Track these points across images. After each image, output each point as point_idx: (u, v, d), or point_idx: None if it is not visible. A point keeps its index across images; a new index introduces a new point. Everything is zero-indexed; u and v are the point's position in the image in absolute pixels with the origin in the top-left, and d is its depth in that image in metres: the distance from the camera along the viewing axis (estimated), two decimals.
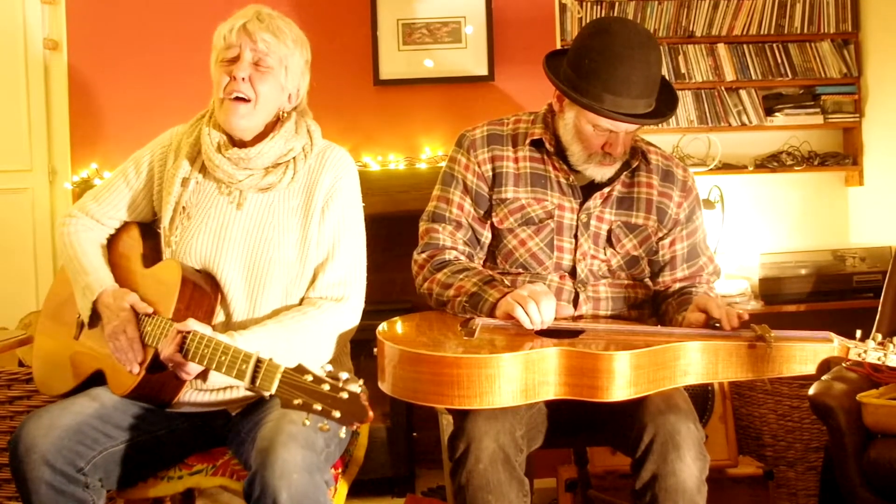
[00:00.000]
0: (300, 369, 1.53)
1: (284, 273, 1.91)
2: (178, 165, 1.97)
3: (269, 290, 1.90)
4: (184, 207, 1.95)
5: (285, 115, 1.97)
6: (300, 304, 1.93)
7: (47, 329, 2.10)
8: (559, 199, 2.08)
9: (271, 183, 1.94)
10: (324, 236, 1.94)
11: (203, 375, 1.79)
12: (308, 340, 1.86)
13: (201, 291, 1.87)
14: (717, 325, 1.86)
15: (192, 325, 1.72)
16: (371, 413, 1.50)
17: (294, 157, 1.96)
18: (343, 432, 1.51)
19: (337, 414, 1.48)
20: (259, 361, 1.59)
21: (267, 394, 1.56)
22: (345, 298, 1.92)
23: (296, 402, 1.51)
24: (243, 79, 1.88)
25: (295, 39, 1.94)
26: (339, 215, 1.96)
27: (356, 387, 1.50)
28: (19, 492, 1.75)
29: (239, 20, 1.90)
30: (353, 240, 1.98)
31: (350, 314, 1.94)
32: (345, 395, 1.49)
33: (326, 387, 1.50)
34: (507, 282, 2.00)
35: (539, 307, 1.82)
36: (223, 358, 1.64)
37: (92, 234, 2.04)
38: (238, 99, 1.89)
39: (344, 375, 1.51)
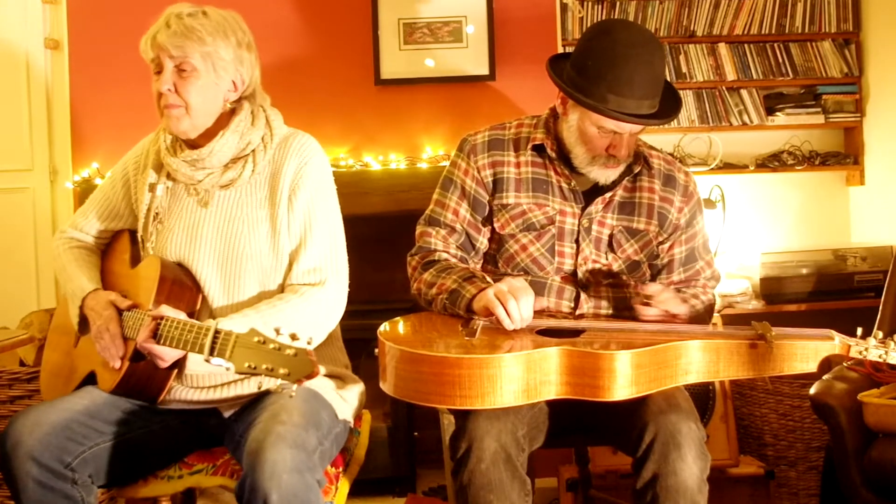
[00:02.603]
0: (251, 333, 1.55)
1: (258, 265, 1.91)
2: (146, 174, 2.00)
3: (245, 284, 1.90)
4: (156, 213, 1.98)
5: (230, 105, 1.94)
6: (281, 292, 1.93)
7: (53, 342, 2.14)
8: (561, 205, 2.08)
9: (231, 179, 1.93)
10: (294, 224, 1.93)
11: (181, 365, 1.79)
12: (286, 324, 1.85)
13: (181, 284, 1.89)
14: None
15: (165, 310, 1.74)
16: (318, 368, 1.52)
17: (253, 150, 1.94)
18: (293, 390, 1.52)
19: (283, 371, 1.50)
20: (217, 332, 1.60)
21: (224, 364, 1.57)
22: (321, 284, 1.91)
23: (246, 364, 1.53)
24: (168, 90, 1.88)
25: (213, 31, 1.87)
26: (308, 201, 1.93)
27: (302, 343, 1.52)
28: (9, 489, 1.76)
29: (150, 32, 1.89)
30: (326, 224, 1.95)
31: (330, 298, 1.92)
32: (291, 352, 1.51)
33: (273, 346, 1.52)
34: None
35: (518, 304, 1.82)
36: (188, 336, 1.66)
37: (79, 245, 2.09)
38: (171, 105, 1.89)
39: (293, 333, 1.53)
